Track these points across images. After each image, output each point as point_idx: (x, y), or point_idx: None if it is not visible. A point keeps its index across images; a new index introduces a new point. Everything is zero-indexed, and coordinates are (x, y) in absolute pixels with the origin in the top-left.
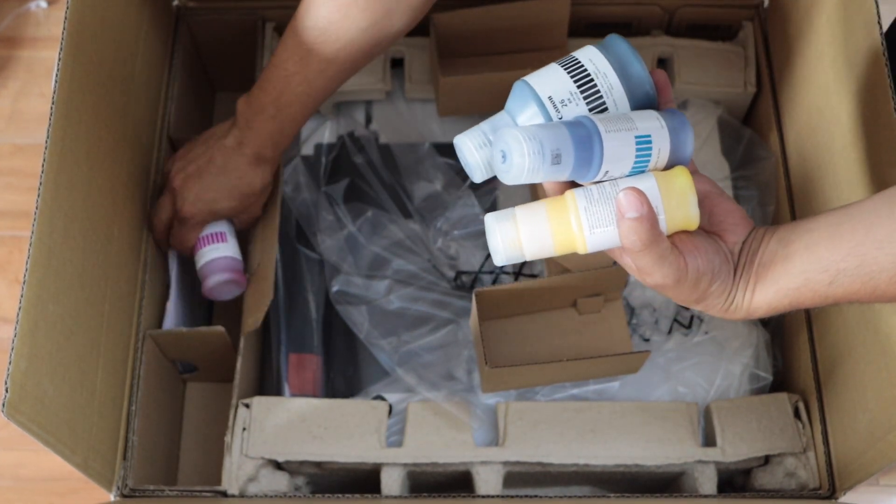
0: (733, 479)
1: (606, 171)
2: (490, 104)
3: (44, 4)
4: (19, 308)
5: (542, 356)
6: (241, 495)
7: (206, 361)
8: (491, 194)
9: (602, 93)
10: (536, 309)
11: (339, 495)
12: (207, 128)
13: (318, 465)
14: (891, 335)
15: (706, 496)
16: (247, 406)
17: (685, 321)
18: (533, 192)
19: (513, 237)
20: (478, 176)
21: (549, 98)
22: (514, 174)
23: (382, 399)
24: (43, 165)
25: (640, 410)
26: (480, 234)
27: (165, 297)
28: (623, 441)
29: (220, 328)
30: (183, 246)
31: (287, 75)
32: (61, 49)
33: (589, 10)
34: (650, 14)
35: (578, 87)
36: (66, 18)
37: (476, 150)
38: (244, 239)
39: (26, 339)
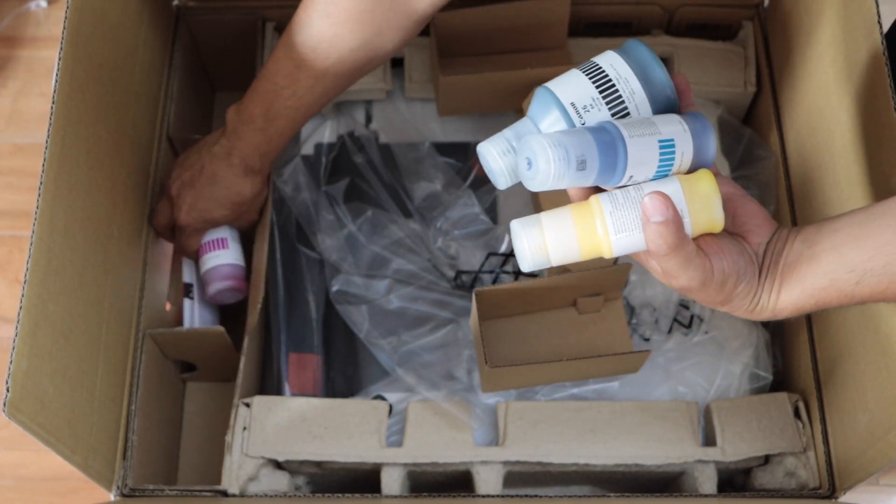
0: (733, 479)
1: (631, 176)
2: (490, 104)
3: (44, 4)
4: (20, 308)
5: (542, 356)
6: (242, 495)
7: (206, 361)
8: (491, 194)
9: (624, 98)
10: (536, 308)
11: (340, 495)
12: (207, 128)
13: (319, 464)
14: (891, 335)
15: (706, 496)
16: (247, 405)
17: (685, 321)
18: (534, 196)
19: (539, 243)
20: (502, 182)
21: (572, 104)
22: (539, 180)
23: (382, 399)
24: (43, 165)
25: (640, 410)
26: (480, 234)
27: (174, 297)
28: (623, 441)
29: (220, 328)
30: (187, 252)
31: (276, 89)
32: (61, 49)
33: (589, 9)
34: (650, 14)
35: (600, 92)
36: (66, 18)
37: (500, 156)
38: (248, 239)
39: (27, 338)
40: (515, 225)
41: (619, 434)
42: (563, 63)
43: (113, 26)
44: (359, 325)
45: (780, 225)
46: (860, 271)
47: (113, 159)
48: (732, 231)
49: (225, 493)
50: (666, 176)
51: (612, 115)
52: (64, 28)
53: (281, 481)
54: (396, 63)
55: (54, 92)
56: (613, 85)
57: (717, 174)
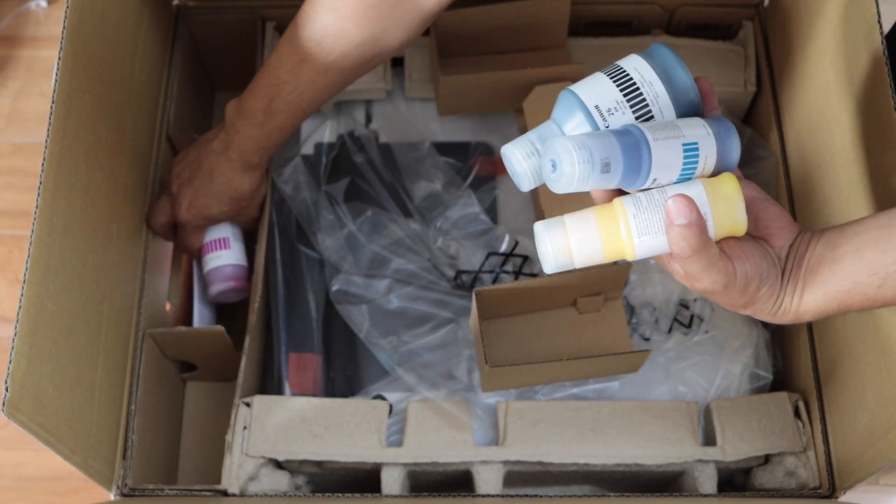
0: (733, 479)
1: (654, 179)
2: (490, 103)
3: (44, 4)
4: (19, 307)
5: (542, 355)
6: (242, 494)
7: (206, 361)
8: (490, 194)
9: (648, 101)
10: (536, 308)
11: (340, 494)
12: (207, 127)
13: (319, 464)
14: (891, 335)
15: (706, 495)
16: (247, 405)
17: (685, 321)
18: (534, 196)
19: (563, 245)
20: (526, 185)
21: (596, 107)
22: (564, 183)
23: (383, 398)
24: (43, 165)
25: (640, 410)
26: (480, 234)
27: (175, 296)
28: (623, 440)
29: (219, 327)
30: (189, 250)
31: (278, 83)
32: (61, 48)
33: (589, 9)
34: (650, 13)
35: (625, 95)
36: (65, 18)
37: (524, 159)
38: (251, 237)
39: (26, 338)
40: (539, 227)
41: (619, 434)
42: (564, 63)
43: (113, 26)
44: (359, 325)
45: (803, 228)
46: (883, 274)
47: (113, 159)
48: (755, 234)
49: (225, 493)
50: (689, 179)
51: (636, 118)
52: (64, 28)
53: (281, 481)
54: (396, 63)
55: (54, 91)
56: (638, 88)
57: (740, 177)
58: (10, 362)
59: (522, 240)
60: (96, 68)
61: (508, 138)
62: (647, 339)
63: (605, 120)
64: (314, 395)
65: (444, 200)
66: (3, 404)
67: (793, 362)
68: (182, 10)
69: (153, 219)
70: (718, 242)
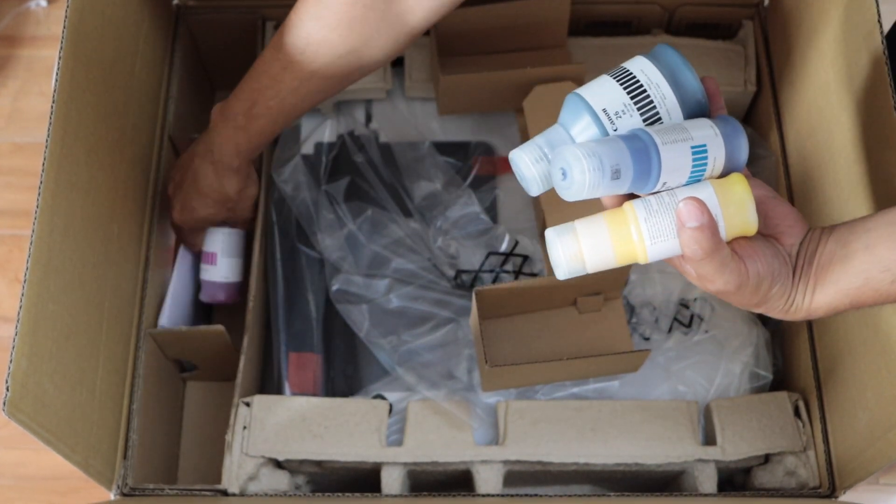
0: (733, 478)
1: (664, 183)
2: (490, 103)
3: (44, 3)
4: (20, 307)
5: (542, 355)
6: (242, 494)
7: (206, 360)
8: (490, 193)
9: (655, 103)
10: (536, 308)
11: (340, 494)
12: (207, 127)
13: (319, 463)
14: (891, 334)
15: (706, 495)
16: (247, 405)
17: (685, 320)
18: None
19: (575, 251)
20: (535, 190)
21: (604, 110)
22: (574, 191)
23: (383, 398)
24: (43, 164)
25: (640, 409)
26: (480, 233)
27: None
28: (623, 440)
29: (220, 327)
30: (194, 251)
31: (260, 87)
32: (61, 48)
33: (589, 8)
34: (650, 13)
35: (632, 98)
36: (66, 17)
37: (532, 164)
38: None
39: (27, 338)
40: (550, 234)
41: (619, 433)
42: (564, 62)
43: (113, 26)
44: (359, 325)
45: (811, 226)
46: (895, 270)
47: (113, 158)
48: (765, 233)
49: (225, 493)
50: (699, 181)
51: (644, 120)
52: (64, 27)
53: (281, 480)
54: (397, 62)
55: (54, 91)
56: (645, 90)
57: (748, 176)
58: (10, 362)
59: (522, 239)
60: (96, 68)
61: (508, 138)
62: (647, 339)
63: (612, 123)
64: (314, 394)
65: (444, 200)
66: (4, 404)
67: (793, 362)
68: (182, 10)
69: (170, 219)
70: (729, 243)
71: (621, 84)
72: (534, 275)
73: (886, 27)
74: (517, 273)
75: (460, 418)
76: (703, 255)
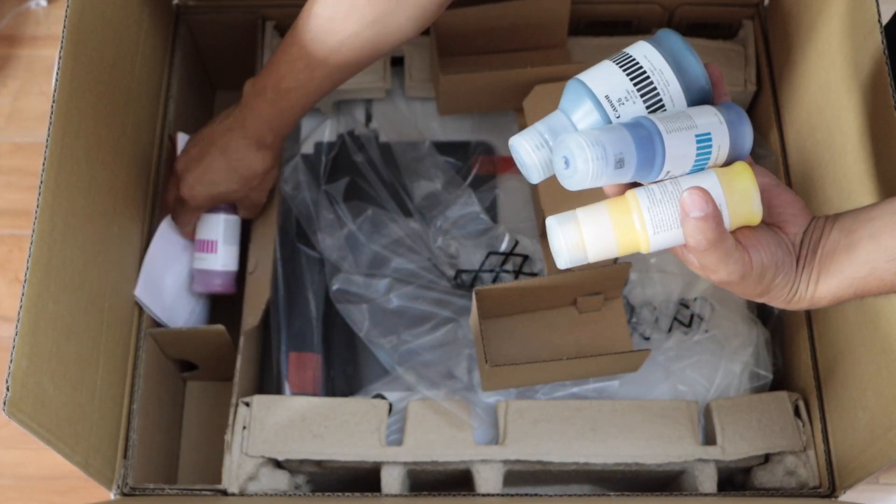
0: (733, 478)
1: (668, 171)
2: (490, 103)
3: (43, 3)
4: (20, 307)
5: (542, 355)
6: (241, 494)
7: (207, 360)
8: (490, 193)
9: (659, 90)
10: (536, 307)
11: (340, 494)
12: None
13: (319, 463)
14: (891, 334)
15: (706, 495)
16: (247, 405)
17: (685, 320)
18: (534, 195)
19: (576, 240)
20: (535, 177)
21: (606, 97)
22: (577, 180)
23: (382, 398)
24: (43, 164)
25: (640, 409)
26: (480, 233)
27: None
28: (623, 439)
29: (220, 327)
30: (182, 229)
31: (290, 60)
32: (61, 48)
33: (589, 8)
34: (650, 13)
35: (635, 84)
36: (66, 17)
37: (533, 151)
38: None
39: (27, 337)
40: (552, 221)
41: (619, 433)
42: (563, 62)
43: (113, 25)
44: (359, 324)
45: (815, 215)
46: None
47: (113, 158)
48: (768, 221)
49: (225, 492)
50: (703, 169)
51: (647, 107)
52: (64, 27)
53: (281, 480)
54: (396, 62)
55: (54, 91)
56: (648, 77)
57: (751, 164)
58: (10, 362)
59: (522, 239)
60: (96, 68)
61: (508, 137)
62: (647, 339)
63: (615, 110)
64: (314, 394)
65: (444, 200)
66: (4, 403)
67: (793, 361)
68: (182, 10)
69: (165, 195)
70: (733, 232)
71: (624, 70)
72: (534, 274)
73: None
74: (517, 273)
75: (460, 418)
76: (706, 245)
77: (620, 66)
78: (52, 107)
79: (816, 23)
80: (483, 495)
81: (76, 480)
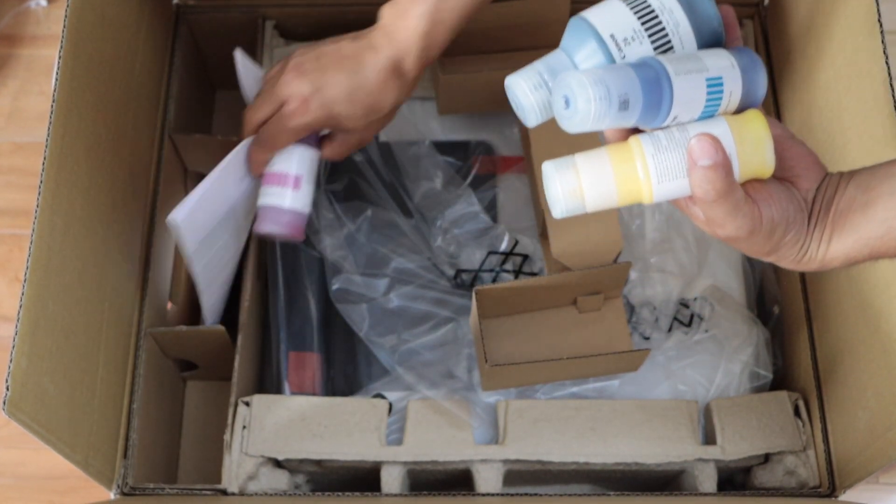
0: (733, 478)
1: (675, 117)
2: (490, 102)
3: (43, 2)
4: (20, 306)
5: (542, 354)
6: (241, 493)
7: (207, 360)
8: (490, 192)
9: (668, 30)
10: (536, 307)
11: (340, 493)
12: (207, 126)
13: (318, 463)
14: (891, 333)
15: (706, 494)
16: (247, 404)
17: (685, 319)
18: (534, 192)
19: (574, 186)
20: (531, 119)
21: (612, 36)
22: (578, 121)
23: (382, 397)
24: (43, 164)
25: (640, 409)
26: (480, 233)
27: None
28: (623, 439)
29: (220, 327)
30: (271, 144)
31: None
32: (61, 47)
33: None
34: None
35: (643, 23)
36: (66, 17)
37: (530, 91)
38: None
39: (27, 337)
40: (548, 167)
41: (618, 433)
42: None
43: (113, 25)
44: (359, 324)
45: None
46: None
47: (113, 158)
48: (779, 176)
49: (224, 492)
50: (712, 116)
51: (655, 48)
52: (64, 27)
53: (280, 480)
54: None
55: (54, 90)
56: (657, 16)
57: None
58: (10, 361)
59: (522, 239)
60: (96, 67)
61: (508, 137)
62: (647, 338)
63: (620, 51)
64: (314, 394)
65: (444, 199)
66: (4, 403)
67: (793, 361)
68: (182, 9)
69: (253, 114)
70: (742, 185)
71: (631, 8)
72: (534, 274)
73: (887, 26)
74: (517, 272)
75: (460, 417)
76: (714, 196)
77: (627, 4)
78: (52, 106)
79: (816, 23)
80: (483, 495)
81: (76, 480)
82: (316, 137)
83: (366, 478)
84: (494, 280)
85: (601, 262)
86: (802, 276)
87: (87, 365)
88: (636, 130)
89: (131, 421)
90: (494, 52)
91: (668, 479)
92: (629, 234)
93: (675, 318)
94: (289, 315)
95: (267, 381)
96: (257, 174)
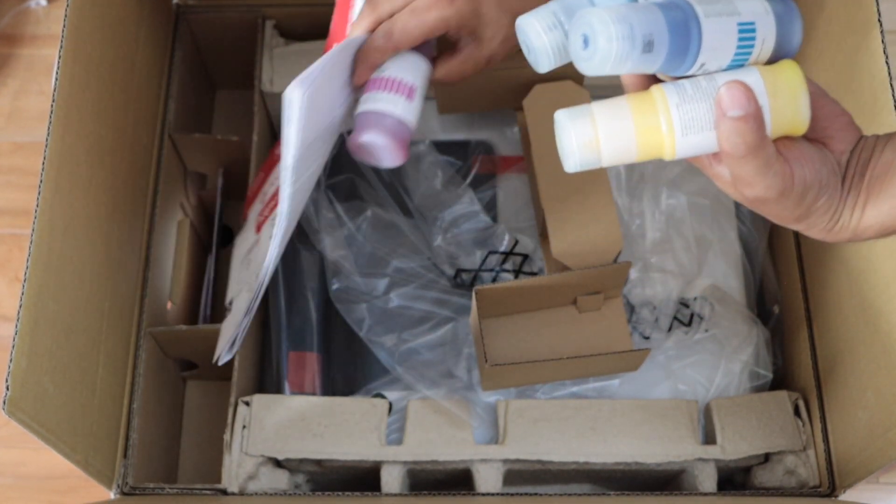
0: (733, 477)
1: (702, 64)
2: (490, 102)
3: (43, 2)
4: (20, 306)
5: (541, 354)
6: (241, 493)
7: (207, 359)
8: (490, 192)
9: None
10: (536, 307)
11: (340, 493)
12: (208, 126)
13: (318, 462)
14: (891, 333)
15: (706, 494)
16: (247, 404)
17: (685, 319)
18: (534, 191)
19: (590, 137)
20: (544, 63)
21: None
22: (597, 62)
23: (382, 397)
24: (43, 163)
25: (640, 408)
26: (480, 232)
27: (176, 295)
28: (623, 439)
29: (219, 326)
30: (394, 41)
31: None
32: (61, 47)
33: None
34: None
35: None
36: (65, 16)
37: (544, 32)
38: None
39: (27, 337)
40: (562, 116)
41: (618, 432)
42: None
43: (113, 24)
44: (359, 324)
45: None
46: None
47: (113, 157)
48: (811, 136)
49: (224, 492)
50: (742, 66)
51: None
52: (64, 26)
53: (280, 479)
54: None
55: (54, 90)
56: None
57: None
58: (10, 361)
59: (522, 238)
60: (96, 67)
61: (508, 137)
62: (646, 338)
63: None
64: (314, 393)
65: (444, 199)
66: (4, 403)
67: (793, 361)
68: (182, 9)
69: (374, 8)
70: (774, 142)
71: None
72: (533, 274)
73: (887, 26)
74: (517, 272)
75: (460, 417)
76: (745, 150)
77: None
78: (51, 106)
79: (816, 22)
80: (483, 494)
81: (76, 480)
82: (430, 49)
83: (366, 477)
84: (494, 280)
85: (601, 261)
86: (802, 275)
87: (87, 364)
88: (656, 80)
89: (131, 421)
90: None
91: (668, 479)
92: (629, 233)
93: (675, 318)
94: (289, 315)
95: (267, 380)
96: (362, 81)
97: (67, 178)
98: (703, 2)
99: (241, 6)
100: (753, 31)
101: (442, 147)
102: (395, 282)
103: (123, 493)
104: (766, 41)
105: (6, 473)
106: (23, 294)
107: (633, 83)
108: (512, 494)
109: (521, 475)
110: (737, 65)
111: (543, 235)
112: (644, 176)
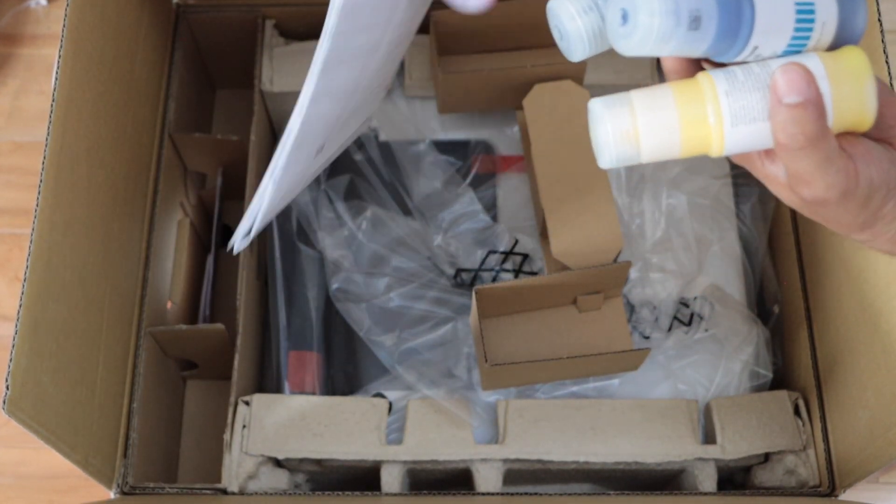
0: (733, 477)
1: (755, 48)
2: (491, 101)
3: (43, 2)
4: (20, 306)
5: (541, 353)
6: (241, 493)
7: (206, 359)
8: (490, 192)
9: None
10: (536, 306)
11: (340, 493)
12: (208, 126)
13: (318, 462)
14: (891, 333)
15: (706, 494)
16: (247, 403)
17: (685, 319)
18: (534, 191)
19: (628, 128)
20: (578, 50)
21: None
22: (637, 39)
23: (382, 396)
24: (43, 163)
25: (640, 408)
26: (480, 232)
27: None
28: (623, 438)
29: (220, 326)
30: None
31: None
32: (61, 47)
33: None
34: None
35: None
36: (65, 16)
37: (578, 15)
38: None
39: (27, 336)
40: (596, 105)
41: (618, 432)
42: (564, 61)
43: (113, 24)
44: (359, 323)
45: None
46: None
47: (113, 157)
48: (875, 136)
49: (224, 491)
50: (799, 52)
51: None
52: (64, 26)
53: (281, 479)
54: None
55: (54, 90)
56: None
57: None
58: (10, 360)
59: (522, 238)
60: (96, 66)
61: (508, 136)
62: (647, 338)
63: None
64: (314, 393)
65: (444, 199)
66: (4, 402)
67: (793, 360)
68: (182, 9)
69: None
70: (836, 137)
71: None
72: (533, 273)
73: (887, 26)
74: (517, 272)
75: (460, 417)
76: (804, 142)
77: None
78: (51, 106)
79: None
80: (483, 494)
81: (76, 479)
82: None
83: (366, 477)
84: (494, 279)
85: (601, 261)
86: (802, 275)
87: (87, 364)
88: (701, 70)
89: (131, 420)
90: (494, 52)
91: (668, 479)
92: (629, 233)
93: (675, 318)
94: (289, 314)
95: (267, 380)
96: None
97: (67, 178)
98: None
99: (241, 6)
100: (813, 12)
101: (442, 147)
102: (395, 281)
103: (123, 493)
104: (826, 24)
105: (6, 473)
106: (23, 294)
107: (676, 70)
108: (512, 494)
109: (521, 475)
110: (793, 50)
111: (543, 235)
112: (644, 176)
